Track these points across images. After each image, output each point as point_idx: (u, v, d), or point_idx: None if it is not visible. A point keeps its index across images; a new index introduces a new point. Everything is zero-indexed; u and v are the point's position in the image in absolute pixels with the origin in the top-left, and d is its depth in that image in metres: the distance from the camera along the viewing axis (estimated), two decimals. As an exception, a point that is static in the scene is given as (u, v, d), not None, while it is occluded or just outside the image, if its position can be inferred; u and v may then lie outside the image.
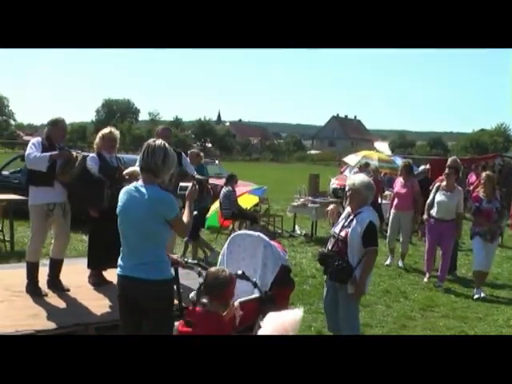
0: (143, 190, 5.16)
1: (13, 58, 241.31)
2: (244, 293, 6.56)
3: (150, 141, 5.34)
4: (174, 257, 6.05)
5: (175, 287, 5.91)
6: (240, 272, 6.32)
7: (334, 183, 24.53)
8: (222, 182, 18.68)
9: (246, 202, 17.56)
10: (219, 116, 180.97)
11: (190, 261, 6.59)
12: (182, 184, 5.90)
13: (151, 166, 5.16)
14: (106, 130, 9.37)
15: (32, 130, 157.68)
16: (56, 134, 8.67)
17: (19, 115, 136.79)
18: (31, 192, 8.57)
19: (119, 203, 5.35)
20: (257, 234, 7.21)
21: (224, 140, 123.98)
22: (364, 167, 19.22)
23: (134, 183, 5.31)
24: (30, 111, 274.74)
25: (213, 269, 5.85)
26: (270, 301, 6.49)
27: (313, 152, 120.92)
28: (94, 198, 8.59)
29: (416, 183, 13.91)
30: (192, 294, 6.20)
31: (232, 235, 7.45)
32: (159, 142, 5.29)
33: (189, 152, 13.91)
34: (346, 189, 7.62)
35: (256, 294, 6.55)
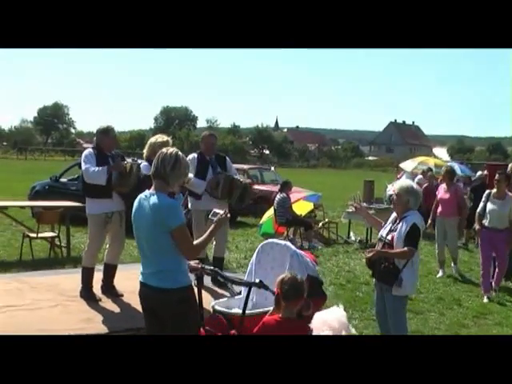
0: (151, 197, 5.17)
1: (72, 67, 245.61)
2: (264, 302, 6.52)
3: (164, 149, 5.35)
4: (193, 263, 5.93)
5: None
6: (258, 281, 6.22)
7: (391, 189, 24.36)
8: (276, 188, 18.70)
9: (301, 208, 17.50)
10: (277, 122, 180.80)
11: (207, 267, 6.45)
12: (215, 210, 5.80)
13: (161, 172, 5.17)
14: (160, 138, 9.46)
15: (91, 137, 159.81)
16: (106, 142, 8.75)
17: (79, 123, 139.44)
18: (89, 202, 8.71)
19: (133, 210, 5.38)
20: (284, 242, 7.16)
21: (281, 147, 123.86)
22: (426, 173, 19.02)
23: (146, 191, 5.32)
24: (89, 119, 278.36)
25: (288, 274, 5.71)
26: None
27: (370, 158, 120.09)
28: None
29: (460, 188, 13.68)
30: (214, 303, 6.18)
31: (261, 244, 7.39)
32: (171, 150, 5.28)
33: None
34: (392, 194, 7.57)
35: None
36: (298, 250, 7.06)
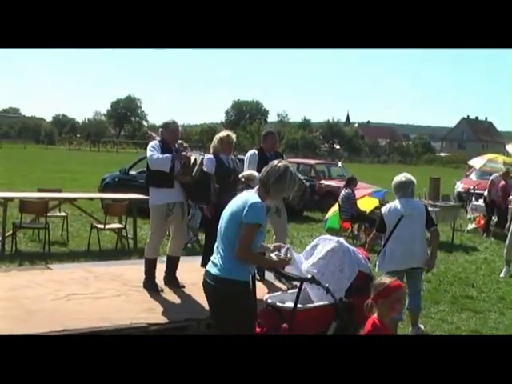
0: (247, 194, 5.37)
1: (145, 61, 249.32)
2: (316, 297, 6.60)
3: (276, 161, 5.54)
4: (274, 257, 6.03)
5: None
6: (310, 276, 6.30)
7: (459, 186, 24.10)
8: (343, 184, 18.73)
9: (366, 204, 17.47)
10: (348, 117, 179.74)
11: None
12: (279, 251, 5.99)
13: (264, 181, 5.36)
14: (223, 134, 9.67)
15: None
16: (168, 136, 8.97)
17: (151, 116, 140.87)
18: (152, 192, 8.91)
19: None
20: (336, 239, 7.22)
21: (352, 141, 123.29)
22: (506, 175, 18.76)
23: (251, 190, 5.51)
24: (161, 112, 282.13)
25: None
26: (346, 309, 6.41)
27: (442, 154, 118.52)
28: (203, 192, 8.88)
29: None
30: (267, 296, 6.28)
31: (317, 238, 7.45)
32: (282, 164, 5.46)
33: None
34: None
35: (330, 300, 6.46)
36: (351, 247, 7.14)
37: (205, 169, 8.87)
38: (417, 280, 8.50)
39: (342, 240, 7.17)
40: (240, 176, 9.38)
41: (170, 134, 8.98)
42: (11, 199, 12.61)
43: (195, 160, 8.65)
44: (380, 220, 8.52)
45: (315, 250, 7.15)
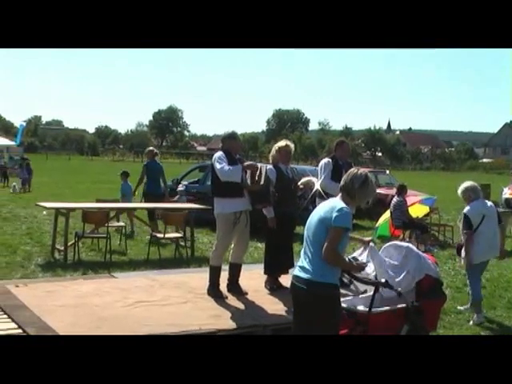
0: (333, 201, 5.58)
1: (186, 70, 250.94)
2: (388, 300, 6.73)
3: (354, 168, 5.78)
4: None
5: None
6: (383, 280, 6.46)
7: (506, 193, 23.96)
8: (392, 191, 18.81)
9: (417, 211, 17.54)
10: (389, 124, 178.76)
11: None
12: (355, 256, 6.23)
13: (349, 187, 5.57)
14: (281, 144, 9.88)
15: (205, 140, 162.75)
16: (234, 146, 9.22)
17: (193, 126, 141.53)
18: (219, 202, 9.07)
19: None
20: (406, 244, 7.36)
21: (394, 149, 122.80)
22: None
23: (334, 197, 5.71)
24: (202, 122, 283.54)
25: None
26: (418, 312, 6.55)
27: (485, 160, 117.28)
28: (263, 194, 9.10)
29: None
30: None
31: (385, 245, 7.58)
32: (362, 170, 5.69)
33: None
34: None
35: (401, 304, 6.60)
36: (420, 252, 7.28)
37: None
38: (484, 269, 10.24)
39: (411, 245, 7.32)
40: (299, 183, 9.59)
41: (236, 144, 9.22)
42: (73, 210, 12.97)
43: (261, 168, 8.85)
44: (467, 220, 9.58)
45: (385, 255, 7.29)
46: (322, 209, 5.54)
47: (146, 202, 15.34)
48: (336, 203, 5.47)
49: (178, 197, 16.99)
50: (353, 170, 5.71)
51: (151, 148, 16.86)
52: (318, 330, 5.34)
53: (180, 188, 17.56)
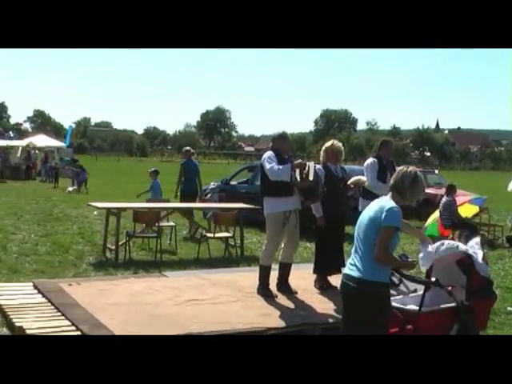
0: (383, 200, 5.60)
1: (232, 70, 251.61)
2: (439, 299, 6.70)
3: (403, 166, 5.79)
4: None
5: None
6: (434, 279, 6.44)
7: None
8: (441, 191, 18.69)
9: (466, 211, 17.40)
10: (437, 124, 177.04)
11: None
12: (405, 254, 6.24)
13: (399, 185, 5.59)
14: (328, 143, 9.95)
15: (253, 140, 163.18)
16: (284, 146, 9.29)
17: (241, 127, 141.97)
18: (269, 201, 9.15)
19: (365, 209, 5.80)
20: (457, 244, 7.32)
21: (443, 148, 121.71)
22: None
23: (386, 196, 5.74)
24: (250, 122, 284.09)
25: None
26: (468, 311, 6.47)
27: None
28: (313, 191, 9.14)
29: None
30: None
31: (438, 242, 7.53)
32: (411, 168, 5.70)
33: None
34: None
35: (452, 303, 6.57)
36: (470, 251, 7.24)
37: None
38: None
39: (461, 245, 7.28)
40: (349, 182, 9.61)
41: (286, 144, 9.29)
42: (124, 209, 13.17)
43: (309, 165, 8.89)
44: None
45: (436, 253, 7.27)
46: (372, 208, 5.56)
47: (180, 199, 15.72)
48: (386, 203, 5.49)
49: (209, 195, 17.45)
50: (402, 168, 5.71)
51: (188, 148, 17.39)
52: (368, 329, 5.36)
53: (211, 186, 18.05)
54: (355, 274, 5.47)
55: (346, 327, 5.71)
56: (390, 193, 5.63)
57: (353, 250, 5.68)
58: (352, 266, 5.56)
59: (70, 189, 31.07)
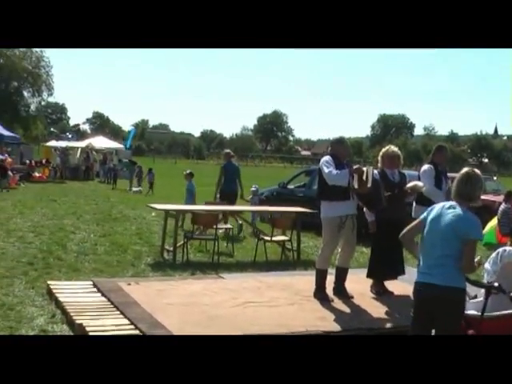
0: (454, 208, 5.59)
1: (290, 73, 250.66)
2: (501, 305, 6.65)
3: (466, 168, 5.80)
4: None
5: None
6: (496, 284, 6.39)
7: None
8: (499, 198, 18.45)
9: (525, 218, 17.16)
10: (496, 130, 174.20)
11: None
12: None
13: (466, 191, 5.60)
14: (384, 149, 10.00)
15: (309, 144, 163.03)
16: (342, 151, 9.33)
17: (297, 131, 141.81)
18: (325, 205, 9.21)
19: (431, 215, 5.79)
20: None
21: (501, 155, 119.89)
22: None
23: (450, 202, 5.73)
24: (306, 127, 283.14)
25: None
26: None
27: None
28: (374, 199, 9.17)
29: None
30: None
31: (501, 249, 7.48)
32: (468, 170, 5.72)
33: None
34: None
35: None
36: None
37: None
38: None
39: None
40: (405, 188, 9.58)
41: (345, 149, 9.33)
42: (183, 212, 13.34)
43: (367, 171, 8.91)
44: None
45: (498, 259, 7.23)
46: (449, 215, 5.53)
47: (221, 199, 16.12)
48: (465, 213, 5.49)
49: (250, 197, 17.77)
50: (464, 173, 5.69)
51: (228, 151, 18.22)
52: (449, 332, 5.43)
53: (252, 188, 18.25)
54: (437, 281, 5.48)
55: (424, 332, 5.70)
56: (456, 199, 5.61)
57: (425, 256, 5.68)
58: (432, 272, 5.56)
59: (135, 189, 31.72)
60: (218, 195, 16.37)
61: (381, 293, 9.64)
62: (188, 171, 18.37)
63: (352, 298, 9.32)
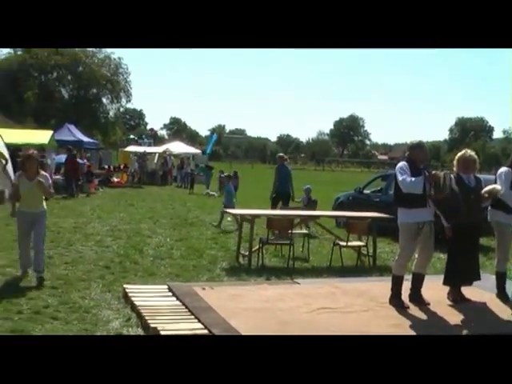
0: None
1: (366, 77, 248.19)
2: None
3: None
4: None
5: None
6: None
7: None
8: None
9: None
10: None
11: None
12: None
13: None
14: (460, 153, 9.82)
15: (386, 149, 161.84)
16: (419, 156, 9.18)
17: (374, 135, 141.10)
18: (402, 211, 9.10)
19: None
20: None
21: None
22: None
23: None
24: (384, 131, 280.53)
25: None
26: None
27: None
28: (451, 206, 9.01)
29: None
30: None
31: None
32: None
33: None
34: None
35: None
36: None
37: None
38: None
39: None
40: (482, 192, 9.39)
41: (422, 154, 9.19)
42: (258, 216, 13.36)
43: (444, 177, 8.77)
44: None
45: None
46: None
47: (274, 199, 17.39)
48: None
49: (301, 198, 18.26)
50: None
51: (281, 154, 19.27)
52: None
53: (304, 188, 18.57)
54: None
55: None
56: None
57: None
58: None
59: (211, 193, 32.27)
60: (271, 194, 17.45)
61: (458, 301, 9.45)
62: (226, 174, 19.32)
63: (428, 305, 9.17)
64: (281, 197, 17.37)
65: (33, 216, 10.12)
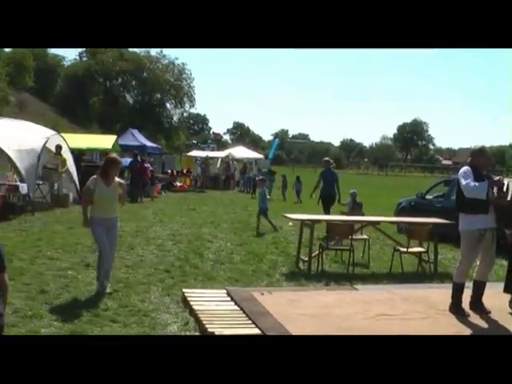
0: None
1: (431, 80, 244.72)
2: None
3: None
4: None
5: None
6: None
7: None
8: None
9: None
10: None
11: None
12: None
13: None
14: None
15: (450, 153, 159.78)
16: (482, 162, 9.06)
17: (438, 140, 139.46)
18: (464, 218, 8.99)
19: None
20: None
21: None
22: None
23: None
24: (448, 135, 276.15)
25: None
26: None
27: None
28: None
29: None
30: None
31: None
32: None
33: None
34: None
35: None
36: None
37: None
38: None
39: None
40: None
41: (485, 160, 9.07)
42: (318, 221, 13.34)
43: (508, 184, 8.65)
44: None
45: None
46: None
47: (319, 201, 18.09)
48: None
49: (347, 201, 18.15)
50: None
51: (327, 158, 19.42)
52: None
53: (350, 191, 18.43)
54: None
55: None
56: None
57: None
58: None
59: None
60: (319, 198, 17.99)
61: (517, 309, 9.28)
62: (260, 177, 20.99)
63: (489, 313, 9.02)
64: (325, 199, 17.87)
65: (108, 222, 9.86)
